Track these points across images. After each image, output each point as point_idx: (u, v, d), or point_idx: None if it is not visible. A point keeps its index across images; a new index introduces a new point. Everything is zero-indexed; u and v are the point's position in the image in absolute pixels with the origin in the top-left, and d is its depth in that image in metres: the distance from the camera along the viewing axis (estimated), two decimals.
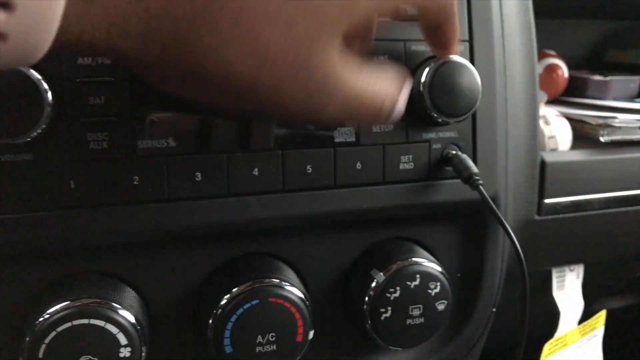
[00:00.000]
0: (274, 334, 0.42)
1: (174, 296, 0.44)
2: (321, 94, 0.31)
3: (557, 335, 0.69)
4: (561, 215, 0.61)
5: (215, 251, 0.44)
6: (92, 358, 0.39)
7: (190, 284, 0.44)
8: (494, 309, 0.56)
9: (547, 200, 0.60)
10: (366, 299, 0.46)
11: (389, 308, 0.46)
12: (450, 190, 0.47)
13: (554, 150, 0.62)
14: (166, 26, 0.26)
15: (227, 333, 0.41)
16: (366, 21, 0.32)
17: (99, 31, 0.25)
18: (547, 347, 0.68)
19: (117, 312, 0.39)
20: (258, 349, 0.42)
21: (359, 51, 0.35)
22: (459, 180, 0.46)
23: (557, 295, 0.70)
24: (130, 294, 0.42)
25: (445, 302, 0.47)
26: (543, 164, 0.58)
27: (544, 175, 0.58)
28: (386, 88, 0.34)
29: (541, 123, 0.62)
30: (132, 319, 0.40)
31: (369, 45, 0.37)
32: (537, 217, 0.59)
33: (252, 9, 0.27)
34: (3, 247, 0.38)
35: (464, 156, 0.46)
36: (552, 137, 0.63)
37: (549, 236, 0.62)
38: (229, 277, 0.44)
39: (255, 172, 0.41)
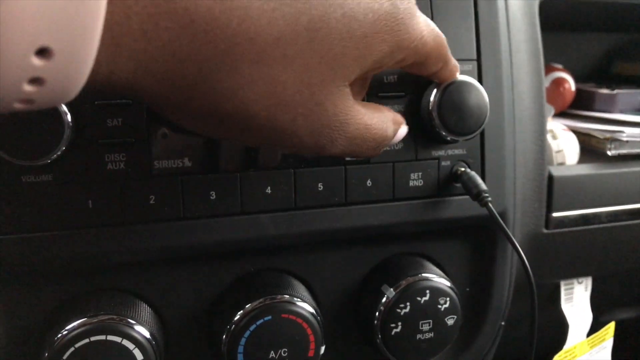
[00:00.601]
0: (286, 350, 0.43)
1: (188, 312, 0.45)
2: (332, 130, 0.32)
3: (566, 347, 0.69)
4: (569, 229, 0.61)
5: (229, 268, 0.45)
6: None
7: (205, 300, 0.45)
8: (503, 323, 0.56)
9: (554, 214, 0.60)
10: (377, 314, 0.47)
11: (399, 323, 0.46)
12: (459, 206, 0.48)
13: (562, 164, 0.63)
14: (190, 69, 0.27)
15: (240, 349, 0.42)
16: (374, 70, 0.34)
17: (126, 73, 0.26)
18: (556, 359, 0.68)
19: (133, 328, 0.40)
20: None
21: (358, 91, 0.37)
22: (467, 197, 0.47)
23: (566, 307, 0.70)
24: (146, 310, 0.43)
25: (455, 317, 0.48)
26: (551, 178, 0.59)
27: (552, 189, 0.59)
28: (389, 116, 0.37)
29: (549, 137, 0.63)
30: (147, 335, 0.41)
31: (366, 87, 0.40)
32: (545, 231, 0.60)
33: (271, 54, 0.28)
34: (22, 265, 0.39)
35: (473, 173, 0.47)
36: (559, 151, 0.63)
37: (557, 249, 0.62)
38: (242, 293, 0.44)
39: (268, 190, 0.42)
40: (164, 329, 0.44)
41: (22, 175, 0.37)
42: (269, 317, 0.42)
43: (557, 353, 0.69)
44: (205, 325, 0.45)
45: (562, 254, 0.63)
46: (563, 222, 0.61)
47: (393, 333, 0.46)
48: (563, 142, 0.64)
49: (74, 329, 0.39)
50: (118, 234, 0.40)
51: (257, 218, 0.42)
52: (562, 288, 0.70)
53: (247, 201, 0.42)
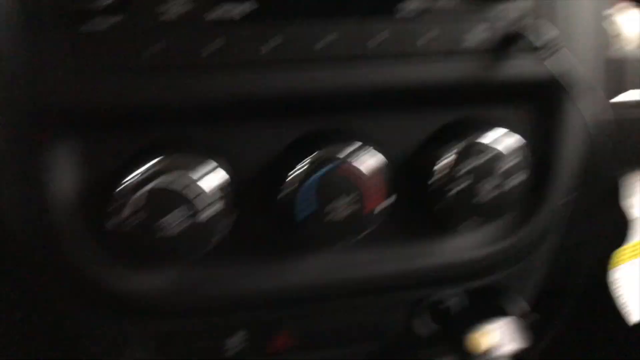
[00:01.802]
0: (347, 202, 0.43)
1: (252, 166, 0.45)
2: None
3: (630, 242, 0.67)
4: (631, 115, 0.58)
5: (295, 123, 0.45)
6: (178, 215, 0.41)
7: (269, 155, 0.45)
8: (564, 203, 0.54)
9: (616, 99, 0.58)
10: (435, 176, 0.46)
11: (459, 184, 0.45)
12: (525, 64, 0.46)
13: (623, 47, 0.60)
14: None
15: (300, 198, 0.42)
16: None
17: None
18: (618, 255, 0.66)
19: (204, 173, 0.41)
20: (331, 215, 0.43)
21: None
22: (533, 55, 0.45)
23: (629, 202, 0.67)
24: (214, 160, 0.43)
25: (521, 176, 0.46)
26: (612, 61, 0.56)
27: (615, 73, 0.56)
28: None
29: (609, 20, 0.59)
30: (216, 184, 0.42)
31: None
32: (605, 117, 0.57)
33: None
34: (94, 111, 0.40)
35: (543, 23, 0.44)
36: (620, 34, 0.60)
37: (619, 137, 0.59)
38: (305, 147, 0.44)
39: (334, 36, 0.41)
40: (231, 181, 0.44)
41: (90, 20, 0.38)
42: (332, 166, 0.42)
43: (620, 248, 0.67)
44: (267, 179, 0.46)
45: (624, 143, 0.61)
46: (625, 106, 0.58)
47: (454, 193, 0.46)
48: (624, 24, 0.60)
49: (141, 174, 0.40)
50: (173, 80, 0.40)
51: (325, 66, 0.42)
52: (625, 182, 0.67)
53: (316, 49, 0.41)
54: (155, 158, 0.41)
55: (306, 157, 0.43)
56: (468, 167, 0.45)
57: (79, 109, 0.40)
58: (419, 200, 0.48)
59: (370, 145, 0.45)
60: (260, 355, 0.54)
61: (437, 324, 0.56)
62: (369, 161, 0.44)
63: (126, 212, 0.40)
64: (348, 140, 0.45)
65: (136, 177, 0.40)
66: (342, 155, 0.43)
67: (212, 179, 0.42)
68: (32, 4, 0.38)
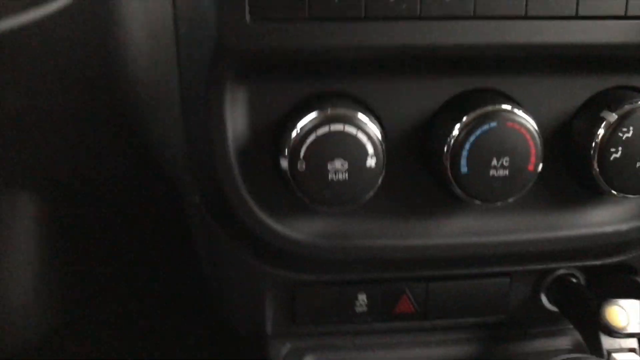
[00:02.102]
0: (507, 159, 0.44)
1: (407, 124, 0.46)
2: None
3: None
4: None
5: (451, 81, 0.46)
6: (343, 161, 0.43)
7: (423, 113, 0.46)
8: None
9: None
10: (595, 141, 0.46)
11: (620, 149, 0.45)
12: None
13: None
14: None
15: (464, 153, 0.43)
16: None
17: None
18: None
19: (366, 124, 0.43)
20: (492, 172, 0.44)
21: None
22: None
23: None
24: (370, 114, 0.45)
25: None
26: None
27: None
28: None
29: None
30: (378, 134, 0.43)
31: None
32: None
33: None
34: (272, 56, 0.42)
35: None
36: None
37: None
38: (462, 106, 0.45)
39: None
40: (386, 135, 0.46)
41: None
42: (494, 124, 0.43)
43: None
44: (422, 139, 0.47)
45: None
46: None
47: (612, 159, 0.45)
48: None
49: (314, 118, 0.42)
50: (359, 30, 0.41)
51: (490, 24, 0.42)
52: None
53: (480, 5, 0.42)
54: (321, 108, 0.43)
55: (466, 114, 0.44)
56: (631, 131, 0.44)
57: (258, 52, 0.42)
58: (573, 166, 0.48)
59: (525, 107, 0.46)
60: (386, 316, 0.55)
61: (567, 297, 0.56)
62: (528, 122, 0.44)
63: (301, 153, 0.42)
64: (505, 101, 0.45)
65: (309, 123, 0.42)
66: (506, 113, 0.43)
67: (374, 130, 0.43)
68: None
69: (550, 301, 0.57)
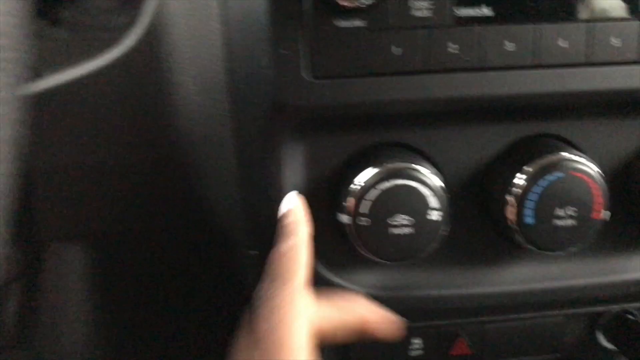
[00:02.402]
0: (573, 209, 0.43)
1: (466, 172, 0.46)
2: None
3: None
4: None
5: (509, 128, 0.45)
6: (407, 217, 0.42)
7: (482, 161, 0.45)
8: None
9: None
10: None
11: None
12: None
13: None
14: None
15: (528, 204, 0.42)
16: None
17: None
18: None
19: (428, 177, 0.42)
20: (557, 222, 0.43)
21: None
22: None
23: None
24: (429, 165, 0.44)
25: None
26: None
27: None
28: None
29: None
30: (441, 184, 0.42)
31: None
32: None
33: None
34: (334, 109, 0.42)
35: None
36: None
37: None
38: (522, 154, 0.44)
39: (564, 44, 0.41)
40: (446, 185, 0.45)
41: (338, 21, 0.40)
42: (561, 174, 0.42)
43: None
44: (481, 187, 0.46)
45: None
46: None
47: None
48: None
49: (376, 173, 0.42)
50: (420, 82, 0.41)
51: (552, 73, 0.41)
52: None
53: (542, 54, 0.41)
54: (381, 161, 0.42)
55: (530, 163, 0.43)
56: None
57: (317, 109, 0.42)
58: (634, 209, 0.47)
59: (587, 154, 0.45)
60: (442, 359, 0.55)
61: (625, 334, 0.55)
62: (593, 170, 0.43)
63: (363, 209, 0.41)
64: (567, 148, 0.44)
65: (371, 178, 0.42)
66: (571, 162, 0.42)
67: (437, 182, 0.43)
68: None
69: (607, 339, 0.56)
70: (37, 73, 0.51)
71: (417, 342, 0.54)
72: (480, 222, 0.47)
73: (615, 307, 0.54)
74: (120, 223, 0.50)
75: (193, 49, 0.45)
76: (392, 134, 0.44)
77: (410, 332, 0.53)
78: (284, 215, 0.42)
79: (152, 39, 0.46)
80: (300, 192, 0.44)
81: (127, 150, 0.48)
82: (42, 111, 0.47)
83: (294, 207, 0.42)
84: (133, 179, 0.48)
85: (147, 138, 0.47)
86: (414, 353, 0.54)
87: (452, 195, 0.45)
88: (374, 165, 0.42)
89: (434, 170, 0.43)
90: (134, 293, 0.55)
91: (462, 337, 0.55)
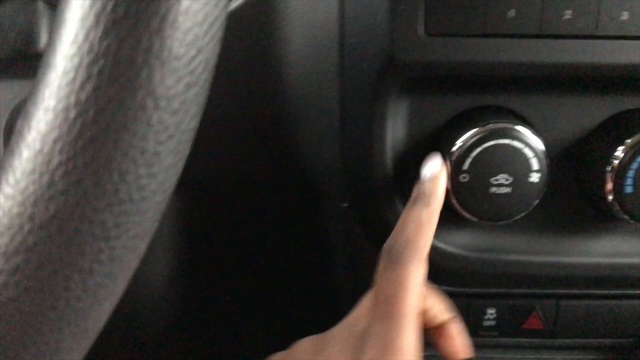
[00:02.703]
0: None
1: (565, 141, 0.46)
2: None
3: None
4: None
5: (611, 99, 0.45)
6: (508, 177, 0.43)
7: (585, 128, 0.46)
8: None
9: None
10: None
11: None
12: None
13: None
14: None
15: (630, 173, 0.43)
16: None
17: None
18: None
19: (532, 139, 0.43)
20: None
21: None
22: None
23: None
24: (532, 129, 0.45)
25: None
26: None
27: None
28: None
29: None
30: (543, 147, 0.43)
31: None
32: None
33: None
34: (444, 67, 0.43)
35: None
36: None
37: None
38: (626, 123, 0.45)
39: (625, 16, 0.42)
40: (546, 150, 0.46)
41: None
42: None
43: None
44: (579, 156, 0.47)
45: None
46: None
47: None
48: None
49: (480, 132, 0.43)
50: (533, 46, 0.42)
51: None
52: None
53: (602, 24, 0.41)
54: (485, 121, 0.44)
55: (632, 134, 0.43)
56: None
57: (429, 66, 0.43)
58: None
59: None
60: (514, 332, 0.55)
61: None
62: None
63: (465, 166, 0.43)
64: None
65: (474, 135, 0.43)
66: None
67: (540, 145, 0.43)
68: None
69: None
70: None
71: (491, 312, 0.54)
72: (575, 191, 0.47)
73: None
74: (217, 172, 0.52)
75: (307, 4, 0.46)
76: (496, 98, 0.45)
77: (486, 301, 0.54)
78: (425, 179, 0.41)
79: None
80: (402, 149, 0.46)
81: (230, 101, 0.50)
82: None
83: (436, 174, 0.41)
84: (235, 128, 0.50)
85: (254, 90, 0.49)
86: (486, 323, 0.55)
87: (551, 161, 0.46)
88: (478, 125, 0.43)
89: (537, 133, 0.44)
90: (220, 243, 0.57)
91: (537, 311, 0.55)
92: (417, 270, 0.37)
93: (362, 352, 0.36)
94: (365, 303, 0.41)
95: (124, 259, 0.20)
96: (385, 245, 0.39)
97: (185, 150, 0.22)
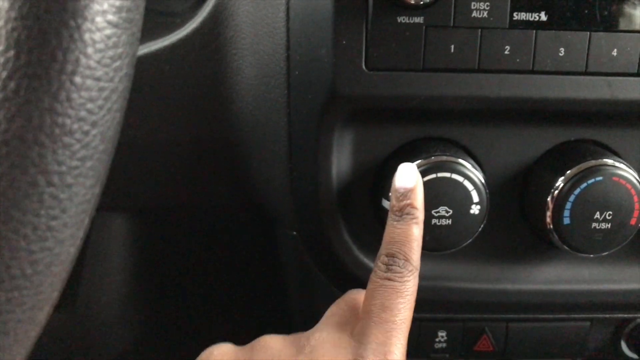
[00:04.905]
0: (611, 213, 0.44)
1: (506, 172, 0.47)
2: None
3: None
4: None
5: (552, 131, 0.46)
6: (448, 209, 0.44)
7: (523, 162, 0.47)
8: None
9: None
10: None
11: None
12: None
13: None
14: None
15: (568, 205, 0.44)
16: None
17: None
18: None
19: (472, 172, 0.44)
20: (594, 225, 0.44)
21: None
22: None
23: None
24: (473, 161, 0.46)
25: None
26: None
27: None
28: None
29: None
30: (483, 180, 0.44)
31: None
32: None
33: None
34: (382, 100, 0.43)
35: None
36: None
37: None
38: (563, 158, 0.46)
39: (614, 53, 0.43)
40: (487, 182, 0.46)
41: (398, 16, 0.41)
42: (600, 178, 0.43)
43: None
44: (521, 187, 0.47)
45: None
46: None
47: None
48: None
49: (422, 164, 0.43)
50: (472, 81, 0.42)
51: (602, 80, 0.43)
52: None
53: (592, 63, 0.43)
54: (426, 154, 0.44)
55: (571, 166, 0.44)
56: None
57: (371, 100, 0.43)
58: None
59: (628, 162, 0.46)
60: (465, 354, 0.56)
61: None
62: (632, 176, 0.44)
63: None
64: (608, 154, 0.46)
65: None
66: (611, 167, 0.44)
67: (480, 178, 0.44)
68: None
69: (630, 348, 0.57)
70: None
71: (442, 335, 0.55)
72: (516, 220, 0.48)
73: None
74: (166, 197, 0.52)
75: (255, 36, 0.47)
76: (439, 130, 0.46)
77: (437, 324, 0.54)
78: (403, 189, 0.41)
79: (215, 23, 0.48)
80: (347, 179, 0.46)
81: (181, 128, 0.51)
82: None
83: (415, 186, 0.41)
84: (184, 155, 0.50)
85: (202, 117, 0.49)
86: (438, 345, 0.56)
87: (491, 192, 0.47)
88: (420, 157, 0.44)
89: (477, 166, 0.45)
90: (171, 265, 0.57)
91: (487, 333, 0.56)
92: (412, 283, 0.39)
93: (362, 357, 0.37)
94: (343, 312, 0.42)
95: (19, 331, 0.20)
96: (380, 259, 0.40)
97: (83, 220, 0.22)
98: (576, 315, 0.54)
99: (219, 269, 0.59)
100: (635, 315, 0.55)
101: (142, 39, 0.49)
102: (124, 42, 0.19)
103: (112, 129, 0.21)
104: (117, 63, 0.19)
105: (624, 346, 0.57)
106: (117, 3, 0.18)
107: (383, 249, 0.40)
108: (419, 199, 0.41)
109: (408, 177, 0.41)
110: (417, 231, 0.40)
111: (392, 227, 0.40)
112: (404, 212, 0.40)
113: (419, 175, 0.42)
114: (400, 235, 0.40)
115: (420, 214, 0.40)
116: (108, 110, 0.20)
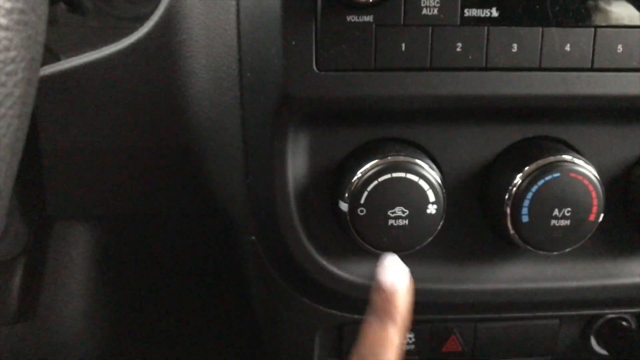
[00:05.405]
0: (569, 210, 0.43)
1: (464, 170, 0.47)
2: None
3: None
4: None
5: (510, 129, 0.46)
6: (404, 209, 0.43)
7: (481, 160, 0.46)
8: None
9: None
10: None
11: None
12: None
13: None
14: None
15: (526, 202, 0.43)
16: None
17: None
18: None
19: (428, 172, 0.43)
20: (553, 222, 0.44)
21: None
22: None
23: None
24: (429, 161, 0.45)
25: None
26: None
27: None
28: None
29: None
30: (439, 180, 0.43)
31: None
32: None
33: None
34: (337, 101, 0.42)
35: None
36: None
37: None
38: (520, 156, 0.45)
39: (567, 48, 0.42)
40: (445, 181, 0.46)
41: (348, 15, 0.41)
42: (558, 175, 0.43)
43: None
44: (481, 185, 0.47)
45: None
46: None
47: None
48: None
49: (377, 165, 0.43)
50: (425, 79, 0.42)
51: (555, 76, 0.42)
52: None
53: (545, 57, 0.42)
54: (382, 154, 0.43)
55: (528, 163, 0.44)
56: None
57: (324, 101, 0.42)
58: (631, 214, 0.48)
59: (586, 156, 0.46)
60: (434, 355, 0.55)
61: (617, 341, 0.56)
62: (590, 172, 0.44)
63: (362, 199, 0.42)
64: (567, 151, 0.45)
65: (371, 169, 0.43)
66: (569, 164, 0.43)
67: (436, 177, 0.43)
68: None
69: (599, 345, 0.57)
70: (56, 57, 0.53)
71: (409, 337, 0.55)
72: (477, 219, 0.48)
73: (609, 313, 0.55)
74: (125, 205, 0.51)
75: (207, 38, 0.46)
76: (394, 130, 0.45)
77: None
78: (387, 289, 0.36)
79: (167, 27, 0.48)
80: (303, 182, 0.46)
81: (137, 134, 0.50)
82: (57, 93, 0.48)
83: (399, 284, 0.36)
84: (141, 161, 0.49)
85: (157, 122, 0.48)
86: (406, 347, 0.55)
87: (450, 192, 0.46)
88: (376, 158, 0.43)
89: (433, 166, 0.45)
90: (134, 273, 0.56)
91: (455, 334, 0.55)
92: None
93: None
94: None
95: None
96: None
97: None
98: (544, 314, 0.54)
99: (182, 277, 0.59)
100: (604, 311, 0.55)
101: (99, 44, 0.49)
102: (17, 44, 0.18)
103: (9, 136, 0.20)
104: (10, 67, 0.18)
105: (593, 343, 0.57)
106: (7, 5, 0.18)
107: (359, 350, 0.37)
108: (405, 304, 0.36)
109: (397, 275, 0.37)
110: (397, 339, 0.36)
111: (371, 329, 0.36)
112: (387, 316, 0.36)
113: (408, 274, 0.37)
114: (378, 341, 0.36)
115: (403, 320, 0.36)
116: (2, 116, 0.19)
